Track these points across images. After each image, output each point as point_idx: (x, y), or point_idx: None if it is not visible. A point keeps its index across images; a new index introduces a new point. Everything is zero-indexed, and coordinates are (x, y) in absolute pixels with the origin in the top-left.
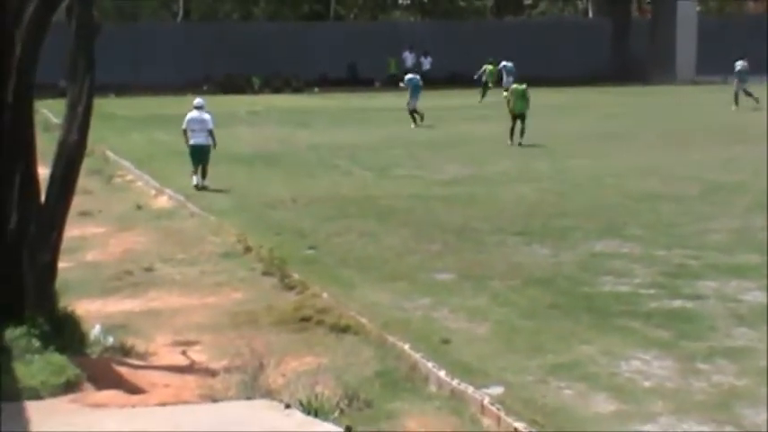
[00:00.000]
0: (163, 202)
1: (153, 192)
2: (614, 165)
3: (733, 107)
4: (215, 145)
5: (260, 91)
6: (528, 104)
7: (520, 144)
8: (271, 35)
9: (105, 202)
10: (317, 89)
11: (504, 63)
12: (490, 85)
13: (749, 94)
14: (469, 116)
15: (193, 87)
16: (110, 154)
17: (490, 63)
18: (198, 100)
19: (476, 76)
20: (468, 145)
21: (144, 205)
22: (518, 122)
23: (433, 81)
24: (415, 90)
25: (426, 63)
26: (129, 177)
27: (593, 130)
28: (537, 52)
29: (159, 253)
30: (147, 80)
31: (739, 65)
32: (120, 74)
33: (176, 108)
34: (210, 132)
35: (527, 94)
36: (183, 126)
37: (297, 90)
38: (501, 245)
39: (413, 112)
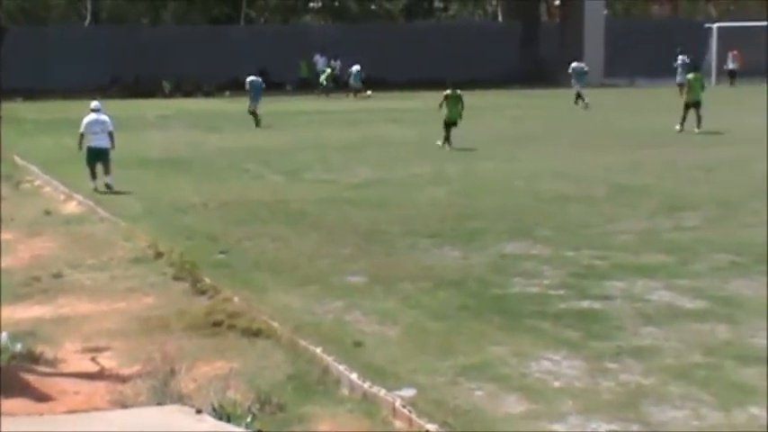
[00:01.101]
0: (72, 207)
1: (62, 197)
2: (524, 167)
3: (576, 105)
4: (113, 146)
5: (171, 95)
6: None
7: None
8: (181, 39)
9: (14, 208)
10: (227, 93)
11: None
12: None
13: (579, 96)
14: (382, 118)
15: (102, 91)
16: (18, 159)
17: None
18: (95, 103)
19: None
20: (380, 148)
21: (53, 210)
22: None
23: (343, 85)
24: (256, 92)
25: (336, 66)
26: (38, 182)
27: (503, 133)
28: (447, 55)
29: (68, 259)
30: (56, 84)
31: (574, 65)
32: (28, 78)
33: (85, 111)
34: (110, 134)
35: (462, 100)
36: (81, 129)
37: (208, 94)
38: (412, 247)
39: (253, 113)
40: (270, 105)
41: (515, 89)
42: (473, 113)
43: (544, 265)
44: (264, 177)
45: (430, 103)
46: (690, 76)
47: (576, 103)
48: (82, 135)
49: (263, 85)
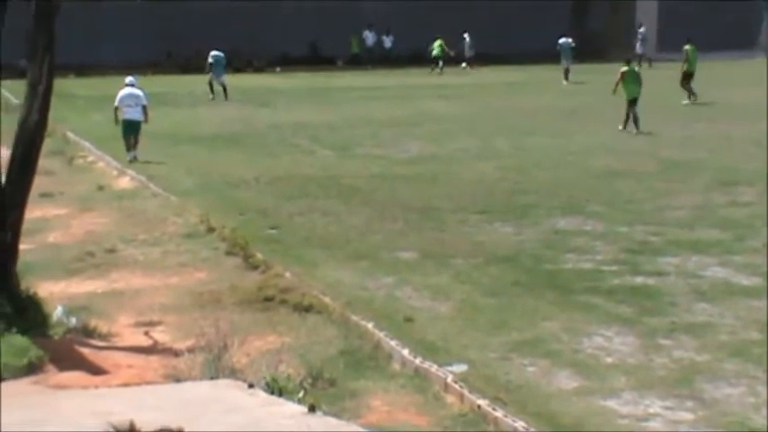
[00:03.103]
0: (125, 182)
1: (114, 172)
2: (574, 142)
3: (564, 82)
4: (146, 120)
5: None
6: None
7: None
8: (231, 13)
9: (66, 183)
10: (278, 68)
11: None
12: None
13: (567, 74)
14: (431, 94)
15: (155, 66)
16: (70, 135)
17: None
18: (129, 78)
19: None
20: (429, 124)
21: (105, 186)
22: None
23: (395, 60)
24: (218, 66)
25: (388, 41)
26: (91, 158)
27: (552, 109)
28: (496, 29)
29: (121, 234)
30: (108, 59)
31: (562, 41)
32: (81, 53)
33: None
34: (144, 108)
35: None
36: (116, 103)
37: (258, 69)
38: (463, 223)
39: (222, 86)
40: (320, 80)
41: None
42: (521, 88)
43: (597, 240)
44: (315, 153)
45: (479, 78)
46: (687, 47)
47: (566, 79)
48: (116, 108)
49: (224, 61)
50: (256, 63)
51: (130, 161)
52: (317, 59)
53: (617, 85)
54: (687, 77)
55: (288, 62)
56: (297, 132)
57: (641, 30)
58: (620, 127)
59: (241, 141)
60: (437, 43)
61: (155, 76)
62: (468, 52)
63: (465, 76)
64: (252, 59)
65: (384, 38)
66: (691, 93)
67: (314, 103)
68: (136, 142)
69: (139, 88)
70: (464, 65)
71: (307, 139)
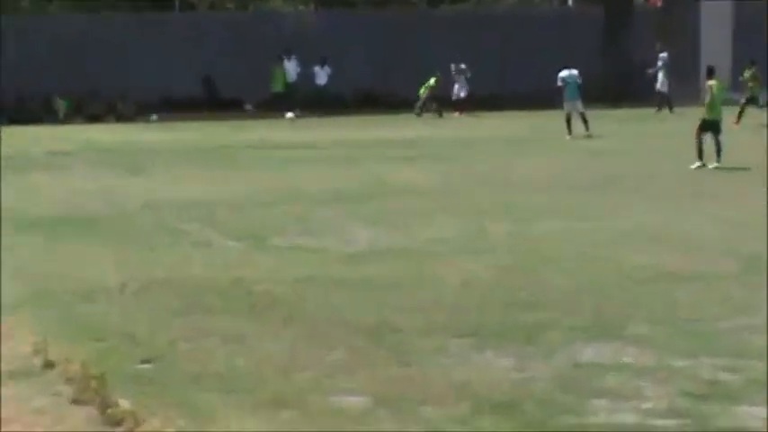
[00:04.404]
0: None
1: None
2: (606, 227)
3: (567, 137)
4: None
5: (68, 120)
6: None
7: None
8: (85, 37)
9: None
10: (154, 116)
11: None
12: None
13: (584, 120)
14: (393, 155)
15: None
16: None
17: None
18: None
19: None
20: (388, 199)
21: None
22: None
23: (336, 101)
24: None
25: (322, 75)
26: None
27: (573, 175)
28: (491, 57)
29: None
30: None
31: (564, 74)
32: None
33: None
34: None
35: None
36: None
37: (125, 118)
38: (438, 352)
39: None
40: (219, 133)
41: (593, 106)
42: (527, 145)
43: (642, 379)
44: (212, 244)
45: (467, 129)
46: (712, 83)
47: (569, 132)
48: None
49: None
50: (122, 108)
51: None
52: (214, 102)
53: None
54: (706, 127)
55: (171, 106)
56: (184, 213)
57: (662, 55)
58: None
59: (99, 227)
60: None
61: None
62: (458, 91)
63: (446, 127)
64: (115, 103)
65: (317, 70)
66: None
67: (210, 168)
68: None
69: None
70: (457, 114)
71: (199, 224)
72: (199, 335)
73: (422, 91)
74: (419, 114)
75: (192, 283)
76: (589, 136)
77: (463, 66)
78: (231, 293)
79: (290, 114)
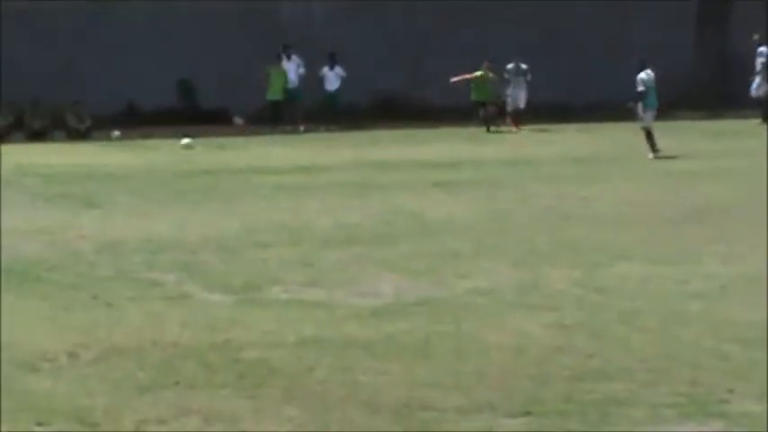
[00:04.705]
0: None
1: None
2: (698, 274)
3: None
4: None
5: (2, 138)
6: None
7: None
8: (25, 29)
9: None
10: (116, 132)
11: None
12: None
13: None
14: (423, 181)
15: None
16: None
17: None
18: None
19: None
20: (415, 239)
21: None
22: None
23: (348, 110)
24: None
25: (332, 77)
26: None
27: (657, 206)
28: (549, 58)
29: None
30: None
31: (644, 76)
32: None
33: None
34: None
35: None
36: None
37: (77, 135)
38: None
39: None
40: (200, 154)
41: (683, 116)
42: (603, 166)
43: None
44: (192, 298)
45: (519, 147)
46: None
47: (652, 150)
48: None
49: None
50: (73, 122)
51: None
52: (193, 114)
53: None
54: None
55: (137, 120)
56: (155, 258)
57: (762, 49)
58: None
59: (42, 277)
60: (479, 74)
61: None
62: (515, 99)
63: (495, 143)
64: (64, 114)
65: (325, 72)
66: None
67: (189, 199)
68: None
69: None
70: (513, 127)
71: (174, 272)
72: (174, 414)
73: (476, 95)
74: (490, 129)
75: (164, 348)
76: (658, 154)
77: (524, 65)
78: (216, 361)
79: (237, 120)
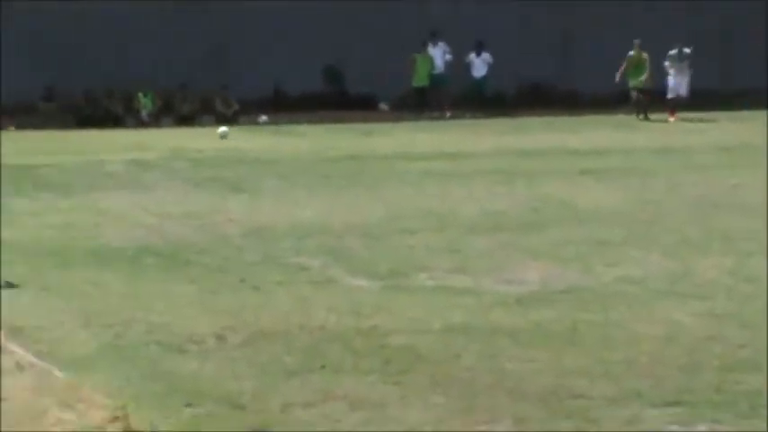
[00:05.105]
0: None
1: None
2: None
3: None
4: None
5: (152, 122)
6: None
7: None
8: (173, 16)
9: None
10: (263, 117)
11: None
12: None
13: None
14: (571, 169)
15: (22, 114)
16: None
17: None
18: None
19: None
20: (564, 226)
21: None
22: None
23: (495, 98)
24: None
25: (479, 64)
26: None
27: None
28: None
29: None
30: None
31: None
32: None
33: None
34: None
35: None
36: None
37: (226, 120)
38: (631, 424)
39: None
40: (346, 140)
41: None
42: (751, 157)
43: None
44: (337, 283)
45: (673, 135)
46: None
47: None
48: None
49: None
50: (221, 107)
51: None
52: (340, 99)
53: None
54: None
55: (284, 105)
56: (301, 243)
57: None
58: None
59: (191, 260)
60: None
61: (20, 132)
62: (677, 86)
63: (647, 131)
64: (213, 100)
65: (472, 58)
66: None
67: (335, 184)
68: None
69: None
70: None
71: (320, 257)
72: (320, 398)
73: (634, 83)
74: (645, 118)
75: (310, 333)
76: None
77: (687, 50)
78: (362, 347)
79: (383, 106)
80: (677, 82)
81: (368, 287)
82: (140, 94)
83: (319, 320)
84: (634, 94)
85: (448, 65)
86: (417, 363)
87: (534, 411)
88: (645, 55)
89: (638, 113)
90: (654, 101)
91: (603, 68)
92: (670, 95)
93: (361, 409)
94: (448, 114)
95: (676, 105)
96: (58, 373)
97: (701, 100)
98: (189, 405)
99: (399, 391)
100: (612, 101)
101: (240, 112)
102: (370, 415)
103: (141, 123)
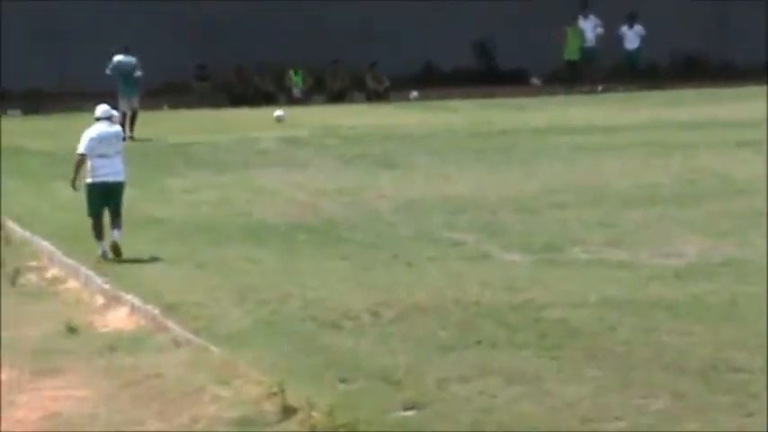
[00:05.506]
0: (118, 318)
1: (99, 299)
2: None
3: None
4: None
5: (303, 99)
6: None
7: None
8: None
9: (9, 321)
10: (414, 93)
11: None
12: None
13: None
14: (728, 141)
15: (175, 93)
16: (14, 227)
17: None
18: (102, 108)
19: None
20: (720, 198)
21: (81, 326)
22: None
23: (648, 69)
24: (122, 78)
25: (632, 36)
26: (53, 272)
27: None
28: None
29: (113, 422)
30: (83, 82)
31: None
32: (37, 77)
33: (141, 130)
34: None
35: None
36: (82, 149)
37: (376, 96)
38: None
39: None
40: (498, 115)
41: None
42: None
43: None
44: (491, 258)
45: None
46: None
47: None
48: (80, 162)
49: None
50: (372, 84)
51: (103, 258)
52: (490, 74)
53: None
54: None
55: (434, 80)
56: (453, 218)
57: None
58: None
59: (343, 237)
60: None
61: (174, 111)
62: None
63: None
64: (364, 77)
65: (624, 30)
66: None
67: (487, 159)
68: (116, 219)
69: (116, 122)
70: None
71: (474, 232)
72: (476, 374)
73: None
74: None
75: (465, 308)
76: None
77: None
78: (516, 321)
79: (535, 80)
80: None
81: (521, 262)
82: (291, 72)
83: (473, 295)
84: None
85: (599, 38)
86: (572, 337)
87: (692, 386)
88: None
89: None
90: None
91: (758, 39)
92: None
93: (517, 383)
94: (599, 88)
95: None
96: (214, 349)
97: None
98: (344, 381)
99: (555, 365)
100: None
101: (391, 88)
102: (527, 389)
103: (293, 100)
